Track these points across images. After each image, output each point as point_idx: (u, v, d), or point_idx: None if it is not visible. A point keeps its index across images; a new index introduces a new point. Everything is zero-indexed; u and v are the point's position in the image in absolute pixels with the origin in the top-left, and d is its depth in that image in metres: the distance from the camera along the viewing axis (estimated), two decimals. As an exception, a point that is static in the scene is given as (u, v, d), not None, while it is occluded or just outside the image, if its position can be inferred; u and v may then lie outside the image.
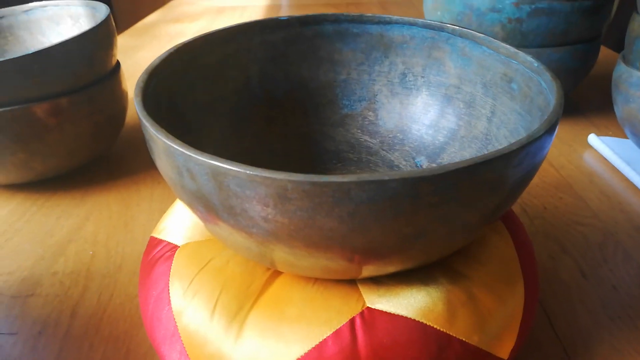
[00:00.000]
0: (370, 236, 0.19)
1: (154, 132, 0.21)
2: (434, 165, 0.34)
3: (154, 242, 0.28)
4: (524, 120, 0.28)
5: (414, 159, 0.35)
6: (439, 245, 0.21)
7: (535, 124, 0.27)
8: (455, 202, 0.19)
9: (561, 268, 0.37)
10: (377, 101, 0.37)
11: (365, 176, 0.18)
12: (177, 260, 0.26)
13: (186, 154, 0.19)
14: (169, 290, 0.25)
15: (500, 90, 0.31)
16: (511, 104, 0.30)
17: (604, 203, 0.45)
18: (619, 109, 0.51)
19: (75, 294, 0.36)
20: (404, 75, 0.36)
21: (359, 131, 0.37)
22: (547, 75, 0.26)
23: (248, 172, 0.18)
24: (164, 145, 0.20)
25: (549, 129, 0.21)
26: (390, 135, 0.37)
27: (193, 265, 0.25)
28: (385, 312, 0.22)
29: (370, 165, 0.36)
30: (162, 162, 0.21)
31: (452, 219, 0.20)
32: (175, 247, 0.27)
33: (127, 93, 0.52)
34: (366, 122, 0.37)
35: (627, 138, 0.56)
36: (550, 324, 0.32)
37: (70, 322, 0.33)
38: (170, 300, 0.24)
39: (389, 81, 0.37)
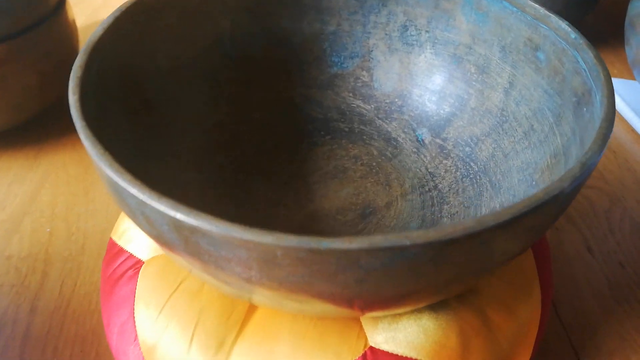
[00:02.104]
0: (380, 296, 0.15)
1: (98, 159, 0.15)
2: (437, 140, 0.30)
3: (114, 250, 0.24)
4: (552, 102, 0.24)
5: (414, 131, 0.31)
6: (459, 289, 0.17)
7: (568, 111, 0.23)
8: (487, 256, 0.15)
9: (566, 241, 0.35)
10: (372, 58, 0.32)
11: (380, 241, 0.13)
12: (143, 280, 0.22)
13: (139, 199, 0.14)
14: (134, 320, 0.21)
15: (522, 57, 0.26)
16: (535, 77, 0.25)
17: (611, 160, 0.42)
18: (632, 50, 0.46)
19: (33, 284, 0.32)
20: (405, 28, 0.30)
21: (351, 95, 0.32)
22: (590, 54, 0.21)
23: (222, 231, 0.14)
24: (109, 181, 0.15)
25: (602, 146, 0.17)
26: (387, 101, 0.32)
27: (162, 287, 0.21)
28: (392, 354, 0.19)
29: (364, 137, 0.31)
30: (112, 195, 0.17)
31: (479, 269, 0.16)
32: (140, 262, 0.23)
33: (76, 28, 0.45)
34: (359, 84, 0.32)
35: (635, 80, 0.52)
36: (556, 312, 0.30)
37: (30, 320, 0.30)
38: (137, 334, 0.21)
39: (386, 35, 0.31)
